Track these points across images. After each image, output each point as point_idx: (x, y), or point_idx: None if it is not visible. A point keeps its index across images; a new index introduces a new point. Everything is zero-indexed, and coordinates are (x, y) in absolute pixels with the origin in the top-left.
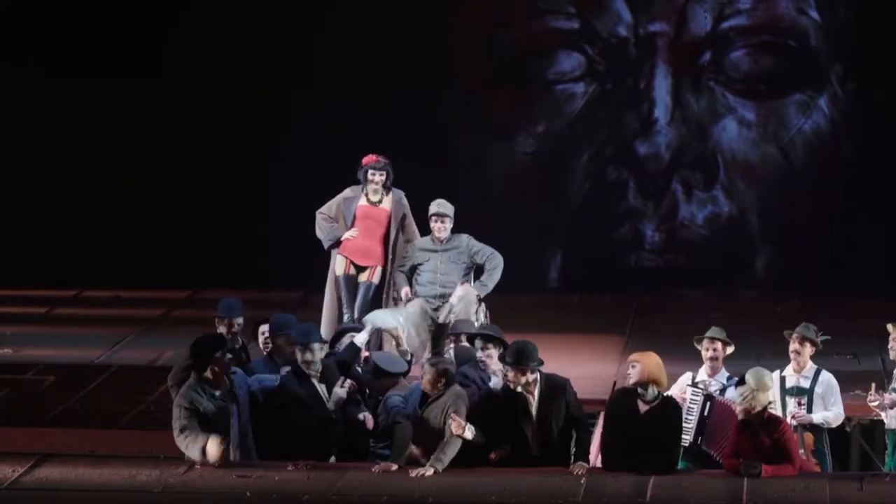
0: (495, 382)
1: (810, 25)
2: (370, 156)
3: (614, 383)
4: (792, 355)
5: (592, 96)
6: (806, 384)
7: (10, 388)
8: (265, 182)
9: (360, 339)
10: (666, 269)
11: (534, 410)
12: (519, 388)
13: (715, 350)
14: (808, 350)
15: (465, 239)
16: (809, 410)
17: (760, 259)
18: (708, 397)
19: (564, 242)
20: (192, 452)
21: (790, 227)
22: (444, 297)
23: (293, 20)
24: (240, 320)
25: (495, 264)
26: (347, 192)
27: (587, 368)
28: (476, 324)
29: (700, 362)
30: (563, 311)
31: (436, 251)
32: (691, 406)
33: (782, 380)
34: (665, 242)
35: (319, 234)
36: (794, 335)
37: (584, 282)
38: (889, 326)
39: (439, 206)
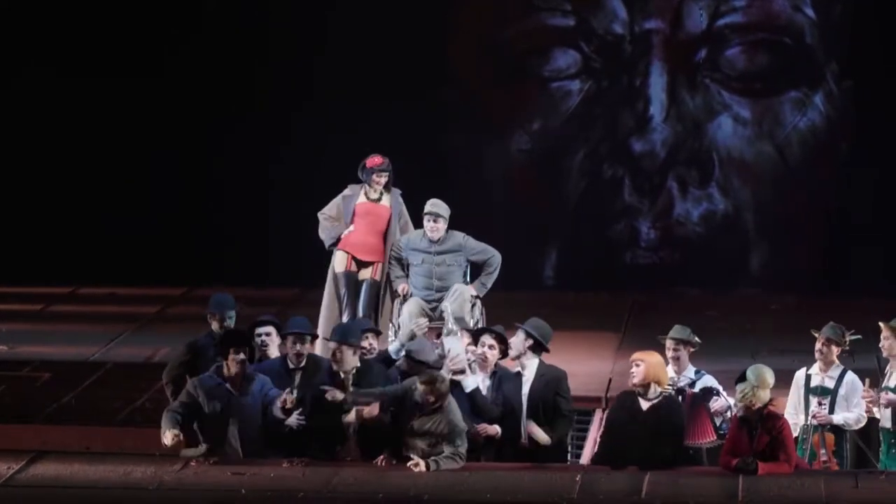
0: (471, 383)
1: (806, 23)
2: (375, 158)
3: (609, 380)
4: (816, 355)
5: (588, 94)
6: (830, 384)
7: (5, 384)
8: (261, 180)
9: (393, 348)
10: (661, 267)
11: (525, 391)
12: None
13: (675, 350)
14: (834, 350)
15: (461, 238)
16: (832, 411)
17: (756, 256)
18: (679, 392)
19: (560, 240)
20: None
21: (786, 224)
22: (440, 300)
23: (293, 20)
24: (231, 313)
25: (495, 265)
26: (346, 190)
27: (583, 366)
28: (471, 322)
29: (694, 359)
30: (558, 308)
31: (429, 252)
32: None
33: (807, 378)
34: (660, 240)
35: (322, 234)
36: (820, 335)
37: (580, 279)
38: (881, 324)
39: (433, 205)
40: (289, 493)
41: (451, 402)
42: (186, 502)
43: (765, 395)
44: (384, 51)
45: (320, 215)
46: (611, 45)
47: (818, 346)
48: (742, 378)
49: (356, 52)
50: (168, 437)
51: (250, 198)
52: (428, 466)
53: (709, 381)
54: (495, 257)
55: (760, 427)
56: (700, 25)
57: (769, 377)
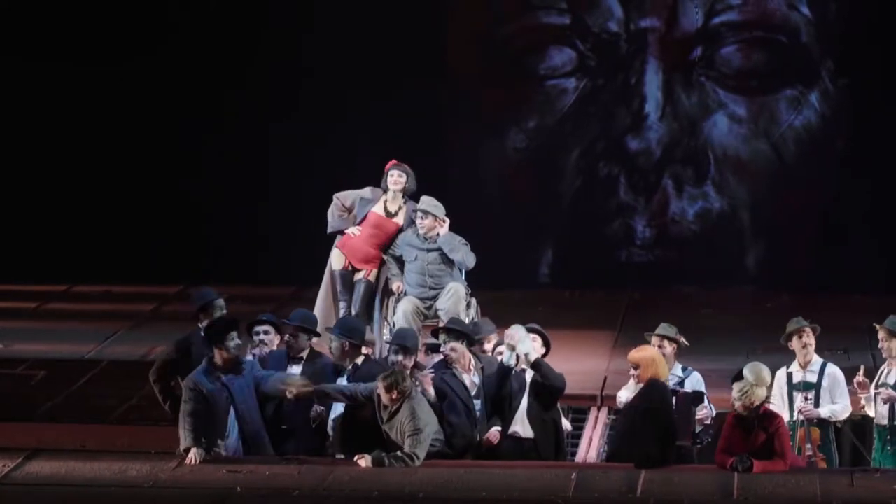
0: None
1: (801, 21)
2: (394, 161)
3: (605, 378)
4: (804, 350)
5: (583, 92)
6: (813, 378)
7: (0, 382)
8: (257, 178)
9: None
10: (657, 265)
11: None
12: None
13: (661, 347)
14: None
15: (446, 234)
16: (817, 404)
17: (751, 254)
18: (671, 392)
19: (555, 238)
20: (181, 440)
21: (781, 222)
22: (435, 299)
23: (291, 17)
24: (218, 304)
25: (463, 264)
26: (367, 192)
27: (578, 364)
28: (466, 319)
29: (691, 358)
30: (554, 306)
31: (422, 249)
32: None
33: (789, 375)
34: (656, 238)
35: (329, 216)
36: (793, 329)
37: (575, 277)
38: (876, 326)
39: (422, 202)
40: (284, 490)
41: (417, 400)
42: (182, 500)
43: (762, 393)
44: (380, 48)
45: (336, 197)
46: (606, 44)
47: (804, 340)
48: (739, 376)
49: (353, 49)
50: (191, 455)
51: (246, 196)
52: (376, 462)
53: (696, 378)
54: (466, 257)
55: (757, 426)
56: (696, 23)
57: (766, 375)
